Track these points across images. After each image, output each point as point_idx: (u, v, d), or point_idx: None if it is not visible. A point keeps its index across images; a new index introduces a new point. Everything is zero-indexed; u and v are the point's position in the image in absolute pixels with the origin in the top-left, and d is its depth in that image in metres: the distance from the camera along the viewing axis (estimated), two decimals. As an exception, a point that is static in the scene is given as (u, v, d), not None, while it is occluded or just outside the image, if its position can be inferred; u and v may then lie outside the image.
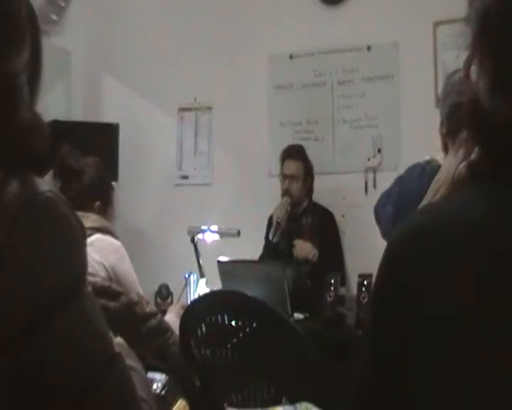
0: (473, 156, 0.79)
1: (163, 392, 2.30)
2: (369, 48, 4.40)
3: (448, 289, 0.68)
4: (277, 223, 3.81)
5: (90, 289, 0.88)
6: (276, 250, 3.89)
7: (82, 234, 0.88)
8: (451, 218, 0.72)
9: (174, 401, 2.31)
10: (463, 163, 0.88)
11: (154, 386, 2.28)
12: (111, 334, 0.91)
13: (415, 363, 0.70)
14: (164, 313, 2.72)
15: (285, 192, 4.02)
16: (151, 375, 2.34)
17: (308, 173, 4.10)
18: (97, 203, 2.57)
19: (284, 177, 4.06)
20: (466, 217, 0.71)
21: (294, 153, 4.12)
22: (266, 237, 4.10)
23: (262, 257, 4.04)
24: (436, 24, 4.12)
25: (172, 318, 2.64)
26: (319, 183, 4.21)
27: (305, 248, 3.87)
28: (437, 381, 0.68)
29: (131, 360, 1.07)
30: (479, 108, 0.75)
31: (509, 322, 0.65)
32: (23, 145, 0.86)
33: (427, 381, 0.69)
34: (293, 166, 4.05)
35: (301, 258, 3.83)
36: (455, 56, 3.62)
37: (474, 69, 0.77)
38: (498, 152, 0.73)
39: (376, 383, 0.75)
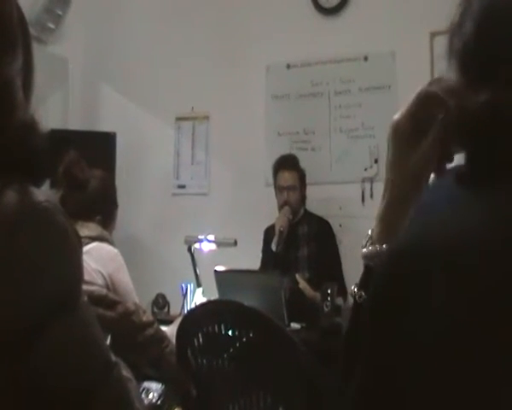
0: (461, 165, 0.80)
1: (159, 401, 2.29)
2: (365, 58, 4.41)
3: (441, 303, 0.68)
4: (280, 232, 3.79)
5: (86, 298, 0.88)
6: (276, 260, 3.83)
7: (78, 244, 0.88)
8: (442, 229, 0.72)
9: (170, 411, 2.30)
10: None
11: (150, 396, 2.28)
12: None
13: (410, 377, 0.69)
14: (160, 322, 2.70)
15: (284, 204, 3.98)
16: (147, 384, 2.33)
17: (302, 182, 4.09)
18: (98, 217, 2.54)
19: (282, 189, 4.02)
20: (457, 228, 0.71)
21: (288, 163, 4.10)
22: (264, 250, 4.08)
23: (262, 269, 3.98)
24: (433, 34, 4.13)
25: (175, 329, 2.61)
26: (316, 193, 4.22)
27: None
28: (431, 397, 0.68)
29: (125, 371, 1.07)
30: (462, 110, 0.76)
31: (509, 336, 0.65)
32: (21, 145, 0.85)
33: (422, 395, 0.68)
34: (289, 178, 4.03)
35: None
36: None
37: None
38: (485, 154, 0.73)
39: (374, 392, 0.75)
